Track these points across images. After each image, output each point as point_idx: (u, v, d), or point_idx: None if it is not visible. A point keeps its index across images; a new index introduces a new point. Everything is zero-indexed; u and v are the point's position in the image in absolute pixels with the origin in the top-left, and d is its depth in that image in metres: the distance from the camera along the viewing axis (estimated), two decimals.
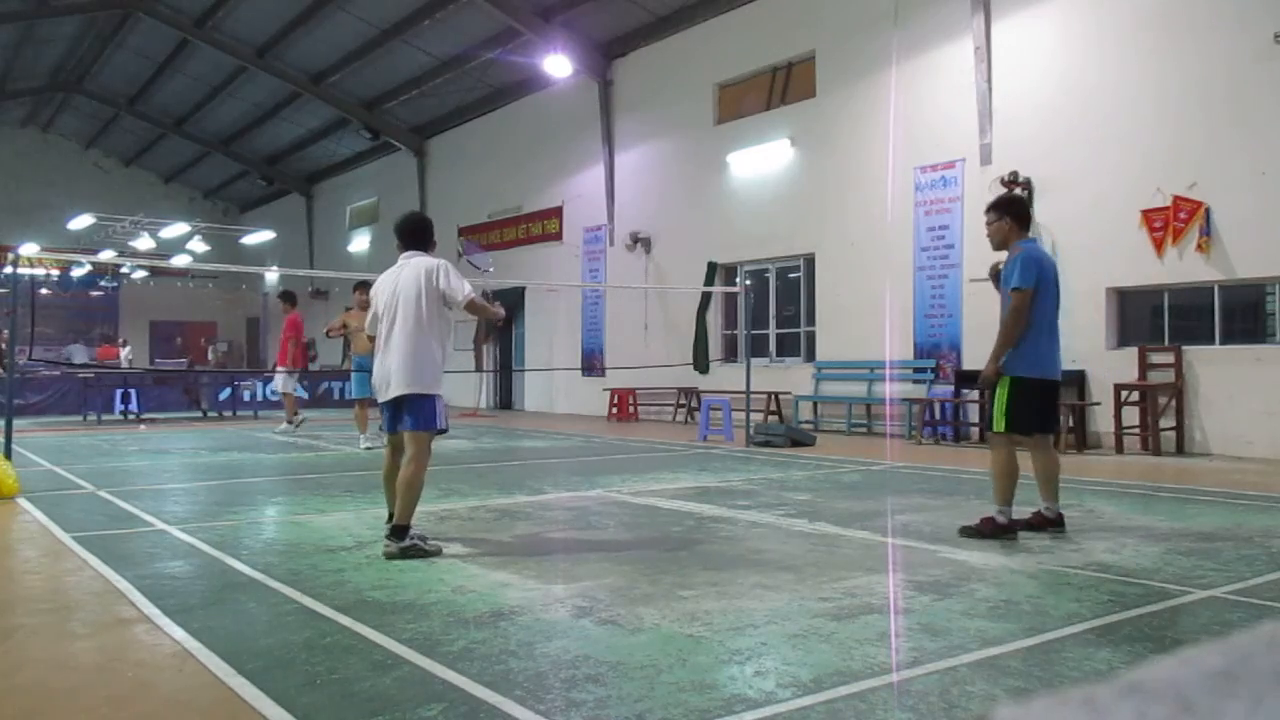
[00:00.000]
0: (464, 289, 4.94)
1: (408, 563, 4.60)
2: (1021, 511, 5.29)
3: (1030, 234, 5.33)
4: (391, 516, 4.91)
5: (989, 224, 5.33)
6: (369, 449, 10.39)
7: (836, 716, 2.56)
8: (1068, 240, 10.90)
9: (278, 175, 28.61)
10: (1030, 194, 11.10)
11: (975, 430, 11.71)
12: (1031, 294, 5.00)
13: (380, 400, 5.02)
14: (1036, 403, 5.11)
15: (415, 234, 5.22)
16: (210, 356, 23.67)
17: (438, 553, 4.76)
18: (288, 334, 13.20)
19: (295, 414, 13.07)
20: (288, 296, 13.57)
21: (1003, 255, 5.35)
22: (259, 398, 17.64)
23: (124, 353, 23.93)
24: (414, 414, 4.88)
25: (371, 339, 5.19)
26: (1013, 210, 5.28)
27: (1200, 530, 5.39)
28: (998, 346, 5.14)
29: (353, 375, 11.33)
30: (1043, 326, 5.09)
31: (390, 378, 4.89)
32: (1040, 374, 5.11)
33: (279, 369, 13.31)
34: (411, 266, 5.01)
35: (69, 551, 4.91)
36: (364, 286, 11.11)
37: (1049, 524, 5.22)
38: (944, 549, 4.88)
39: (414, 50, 19.23)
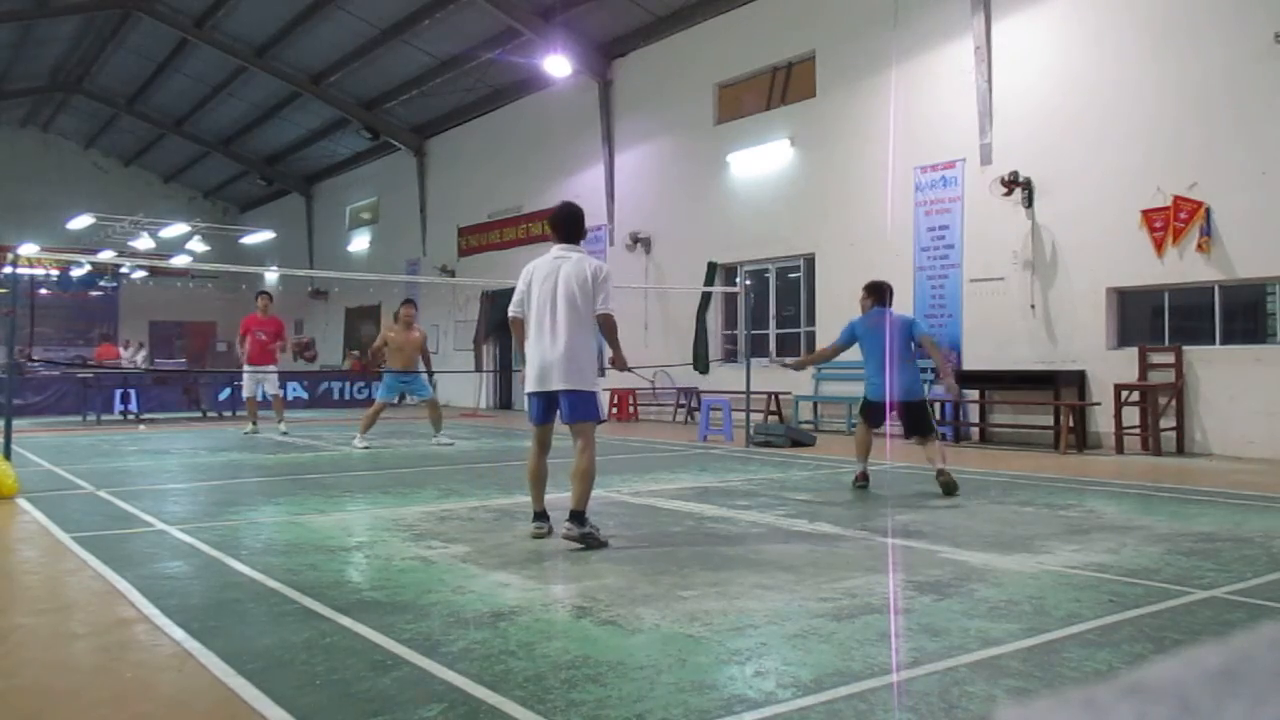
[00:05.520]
0: (612, 304, 5.24)
1: (407, 563, 4.60)
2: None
3: (886, 306, 7.35)
4: (538, 514, 5.27)
5: (861, 300, 7.56)
6: (366, 448, 10.61)
7: (836, 716, 2.56)
8: (1068, 240, 10.90)
9: (277, 175, 28.61)
10: (1031, 194, 11.11)
11: (976, 430, 11.73)
12: (839, 347, 7.58)
13: (537, 390, 5.16)
14: (868, 409, 7.45)
15: (574, 226, 5.39)
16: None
17: (606, 545, 4.96)
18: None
19: (255, 420, 13.07)
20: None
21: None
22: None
23: (126, 353, 23.94)
24: (583, 407, 5.15)
25: (515, 321, 5.32)
26: (874, 292, 7.44)
27: (1200, 530, 5.39)
28: (810, 359, 8.82)
29: (384, 378, 11.49)
30: (872, 363, 7.27)
31: (554, 371, 5.08)
32: (868, 395, 7.40)
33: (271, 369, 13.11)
34: (578, 262, 5.20)
35: (69, 551, 4.91)
36: (410, 304, 11.40)
37: (857, 479, 7.34)
38: (944, 549, 4.88)
39: (414, 50, 19.23)
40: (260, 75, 21.87)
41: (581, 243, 5.44)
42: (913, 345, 7.28)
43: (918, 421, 7.23)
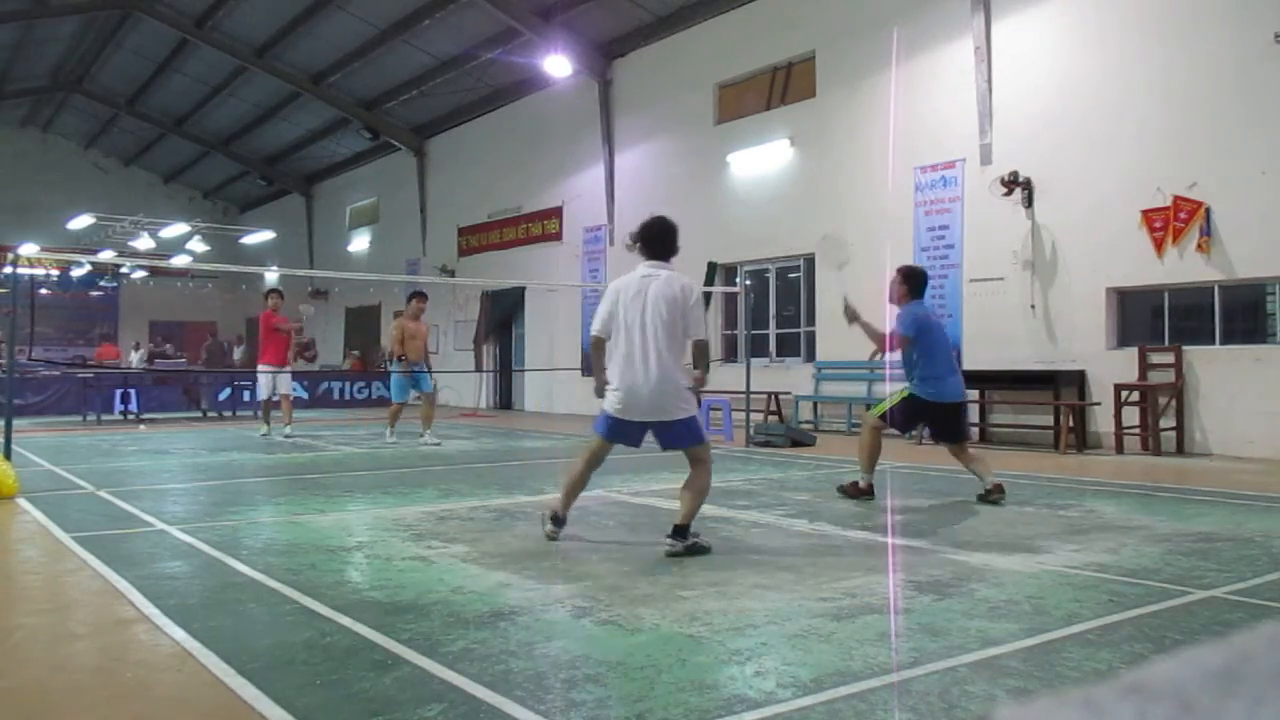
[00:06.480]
0: (704, 327, 5.01)
1: (407, 563, 4.60)
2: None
3: (921, 300, 6.84)
4: (558, 518, 5.06)
5: (892, 283, 6.88)
6: (393, 443, 11.19)
7: (836, 716, 2.56)
8: (1068, 240, 10.91)
9: (278, 175, 28.62)
10: (1031, 194, 11.11)
11: (976, 430, 11.71)
12: (910, 339, 6.53)
13: (624, 418, 4.93)
14: (911, 412, 6.69)
15: (665, 242, 5.07)
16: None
17: (709, 550, 4.78)
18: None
19: (270, 419, 12.66)
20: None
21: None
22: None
23: (135, 356, 24.00)
24: (688, 434, 4.98)
25: (598, 341, 5.09)
26: (911, 280, 6.82)
27: (1200, 530, 5.39)
28: (871, 336, 6.85)
29: (393, 379, 11.90)
30: (941, 360, 6.60)
31: (649, 402, 4.86)
32: (931, 397, 6.56)
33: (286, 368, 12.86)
34: (667, 281, 4.91)
35: (69, 551, 4.91)
36: (420, 296, 11.70)
37: (863, 493, 6.58)
38: (944, 549, 4.89)
39: (414, 50, 19.23)
40: (260, 75, 21.87)
41: (672, 259, 5.08)
42: None
43: (957, 425, 6.74)
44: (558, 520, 5.10)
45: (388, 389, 17.72)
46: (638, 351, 4.85)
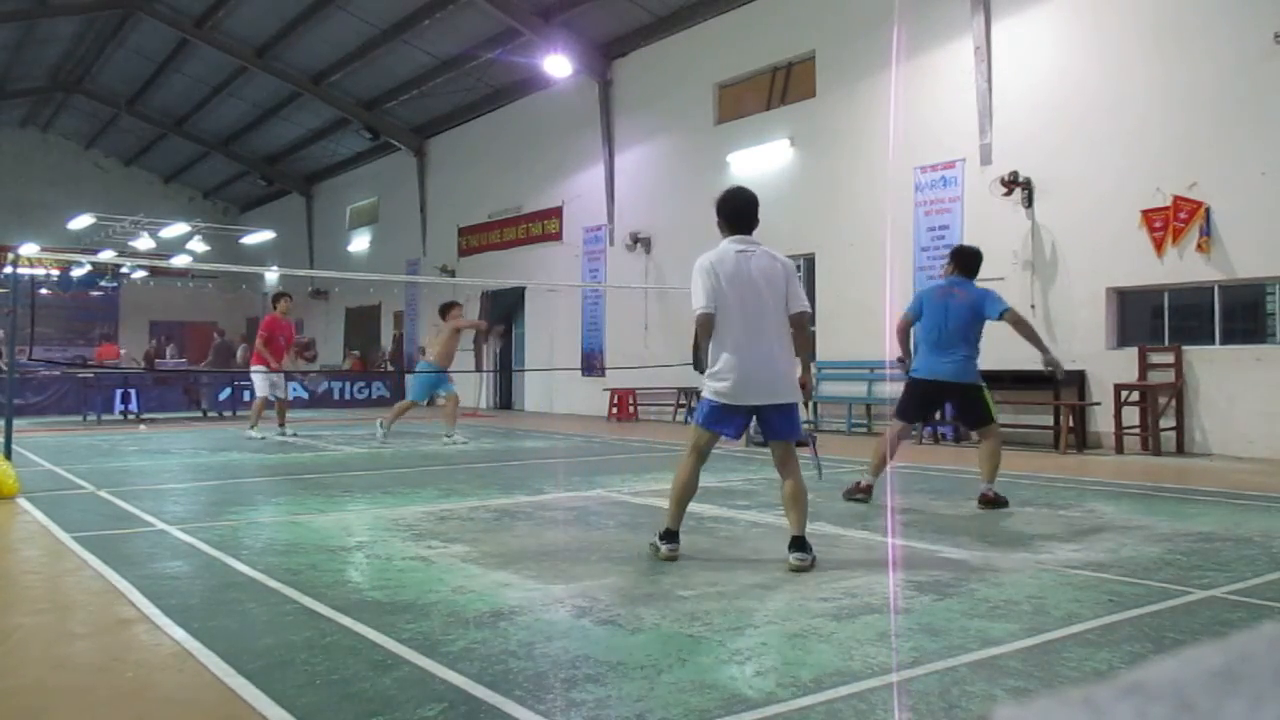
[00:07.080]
0: (805, 299, 4.68)
1: (407, 563, 4.60)
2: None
3: (966, 276, 6.70)
4: (672, 534, 4.64)
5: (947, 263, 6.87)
6: (383, 439, 11.27)
7: (836, 716, 2.56)
8: (1067, 240, 10.91)
9: (278, 175, 28.61)
10: (1031, 194, 11.12)
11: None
12: (907, 320, 6.66)
13: (737, 403, 4.57)
14: (912, 395, 6.55)
15: (751, 215, 4.72)
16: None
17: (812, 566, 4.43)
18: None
19: (257, 422, 12.43)
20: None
21: None
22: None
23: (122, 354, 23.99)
24: (793, 422, 4.69)
25: (708, 319, 4.53)
26: (955, 257, 6.78)
27: (1200, 530, 5.39)
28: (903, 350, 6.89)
29: (416, 379, 12.02)
30: (926, 338, 6.51)
31: (764, 384, 4.53)
32: (917, 373, 6.53)
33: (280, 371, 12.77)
34: (765, 257, 4.60)
35: (69, 551, 4.91)
36: (455, 306, 11.79)
37: (860, 491, 6.46)
38: (944, 549, 4.89)
39: (414, 50, 19.24)
40: (260, 75, 21.87)
41: (754, 232, 4.74)
42: (980, 326, 6.51)
43: (973, 408, 6.54)
44: (671, 536, 4.63)
45: (388, 389, 17.69)
46: (749, 332, 4.51)
